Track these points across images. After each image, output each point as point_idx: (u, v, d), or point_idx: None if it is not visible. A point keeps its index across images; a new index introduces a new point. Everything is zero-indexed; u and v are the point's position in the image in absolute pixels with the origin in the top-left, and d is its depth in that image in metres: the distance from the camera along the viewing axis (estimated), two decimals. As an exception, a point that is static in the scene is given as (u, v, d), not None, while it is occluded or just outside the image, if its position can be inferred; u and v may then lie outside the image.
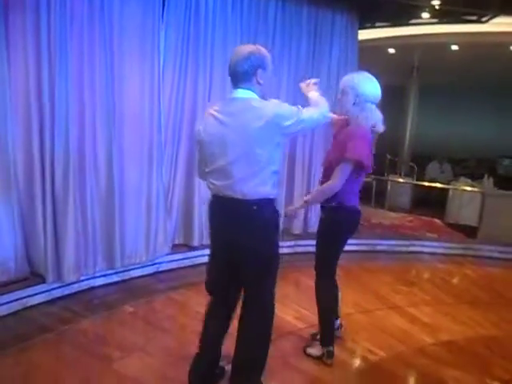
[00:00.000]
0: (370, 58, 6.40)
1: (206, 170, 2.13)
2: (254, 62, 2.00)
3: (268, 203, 2.07)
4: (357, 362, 2.73)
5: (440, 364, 2.75)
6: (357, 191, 2.60)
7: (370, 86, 2.51)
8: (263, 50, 2.06)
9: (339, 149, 2.45)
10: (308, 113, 2.11)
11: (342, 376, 2.56)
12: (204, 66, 4.10)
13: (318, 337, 2.76)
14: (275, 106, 2.00)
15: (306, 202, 2.55)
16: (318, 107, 2.21)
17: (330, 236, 2.62)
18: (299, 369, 2.60)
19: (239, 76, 2.03)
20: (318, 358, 2.67)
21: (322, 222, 2.66)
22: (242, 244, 2.08)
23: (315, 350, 2.72)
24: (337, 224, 2.57)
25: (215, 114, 2.06)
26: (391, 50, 7.84)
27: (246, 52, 2.01)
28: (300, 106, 2.10)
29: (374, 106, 2.52)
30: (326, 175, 2.54)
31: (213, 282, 2.29)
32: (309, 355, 2.72)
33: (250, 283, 2.18)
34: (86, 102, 3.27)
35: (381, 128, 2.53)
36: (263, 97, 2.09)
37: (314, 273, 2.74)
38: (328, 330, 2.69)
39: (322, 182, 2.59)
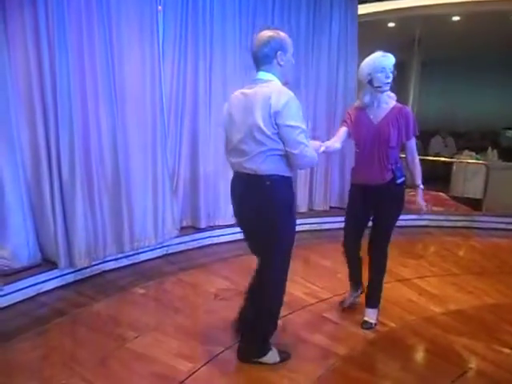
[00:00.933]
0: (369, 32, 6.32)
1: (228, 148, 2.27)
2: (274, 45, 2.11)
3: (281, 180, 2.15)
4: (368, 334, 2.77)
5: (449, 332, 2.79)
6: None
7: None
8: (282, 34, 2.16)
9: (401, 128, 2.62)
10: (308, 142, 2.13)
11: (353, 347, 2.60)
12: (204, 46, 4.07)
13: (367, 304, 2.91)
14: (288, 100, 2.02)
15: (422, 188, 2.74)
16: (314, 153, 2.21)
17: (401, 209, 2.77)
18: (312, 342, 2.65)
19: (260, 59, 2.15)
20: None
21: (393, 195, 2.72)
22: (256, 218, 2.20)
23: (376, 315, 2.88)
24: (404, 197, 2.76)
25: (238, 94, 2.19)
26: (391, 24, 7.72)
27: (266, 37, 2.12)
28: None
29: None
30: (374, 158, 2.66)
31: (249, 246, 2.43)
32: (375, 325, 2.84)
33: (259, 254, 2.32)
34: (87, 87, 3.25)
35: None
36: (285, 77, 2.19)
37: (370, 243, 2.82)
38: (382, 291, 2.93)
39: (369, 162, 2.69)
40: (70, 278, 3.35)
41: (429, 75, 9.83)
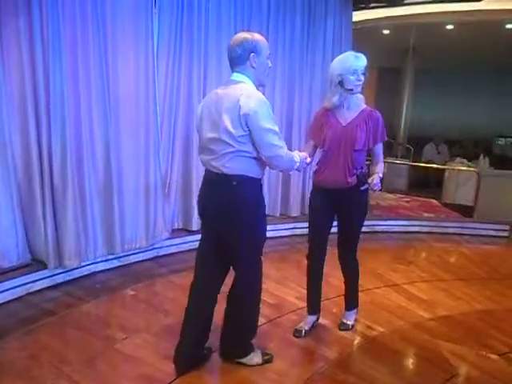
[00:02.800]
0: (364, 39, 6.37)
1: (199, 145, 2.28)
2: (247, 46, 2.10)
3: (249, 181, 2.13)
4: (356, 338, 2.78)
5: (437, 338, 2.81)
6: None
7: None
8: (257, 36, 2.15)
9: (369, 132, 2.52)
10: (282, 143, 2.13)
11: (342, 351, 2.62)
12: (198, 50, 4.07)
13: (346, 307, 2.94)
14: (258, 103, 2.02)
15: (380, 176, 2.53)
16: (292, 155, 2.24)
17: (365, 214, 2.73)
18: (300, 346, 2.66)
19: (234, 60, 2.15)
20: None
21: (357, 201, 2.63)
22: (220, 217, 2.17)
23: (354, 316, 2.92)
24: (367, 202, 2.76)
25: (212, 94, 2.21)
26: (386, 31, 7.78)
27: (240, 38, 2.12)
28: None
29: None
30: (339, 161, 2.53)
31: (199, 253, 2.38)
32: (352, 327, 2.88)
33: (227, 256, 2.28)
34: (81, 89, 3.24)
35: None
36: (259, 80, 2.19)
37: (340, 250, 2.80)
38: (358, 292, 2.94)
39: (334, 165, 2.55)
40: (60, 279, 3.33)
41: (423, 82, 9.92)
